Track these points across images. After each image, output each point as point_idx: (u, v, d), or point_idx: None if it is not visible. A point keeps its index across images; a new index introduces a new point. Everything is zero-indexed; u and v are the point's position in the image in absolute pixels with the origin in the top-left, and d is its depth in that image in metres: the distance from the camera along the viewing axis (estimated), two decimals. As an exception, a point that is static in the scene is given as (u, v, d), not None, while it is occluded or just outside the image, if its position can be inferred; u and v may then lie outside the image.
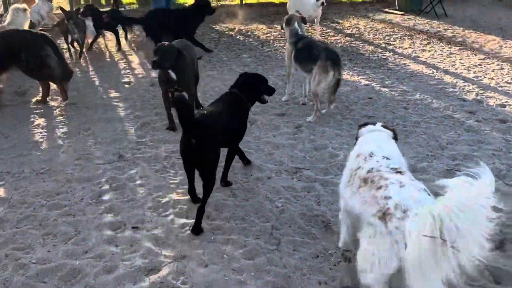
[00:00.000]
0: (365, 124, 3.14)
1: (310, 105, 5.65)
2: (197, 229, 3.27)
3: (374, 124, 3.11)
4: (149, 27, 7.83)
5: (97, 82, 6.80)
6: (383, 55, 8.30)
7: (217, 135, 3.41)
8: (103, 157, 4.40)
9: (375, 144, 2.80)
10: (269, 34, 9.90)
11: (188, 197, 3.64)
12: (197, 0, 8.15)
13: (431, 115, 5.53)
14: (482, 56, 8.20)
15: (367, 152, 2.71)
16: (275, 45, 9.00)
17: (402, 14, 12.28)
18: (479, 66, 7.59)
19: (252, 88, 3.94)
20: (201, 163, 3.31)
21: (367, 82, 6.78)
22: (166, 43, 4.65)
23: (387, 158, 2.63)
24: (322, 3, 9.31)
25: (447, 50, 8.61)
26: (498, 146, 4.68)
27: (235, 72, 7.07)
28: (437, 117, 5.47)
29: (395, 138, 3.03)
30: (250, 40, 9.41)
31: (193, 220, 3.29)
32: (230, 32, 10.12)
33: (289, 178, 4.05)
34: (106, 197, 3.75)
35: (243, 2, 13.09)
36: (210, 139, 3.30)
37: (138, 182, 3.96)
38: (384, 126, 3.07)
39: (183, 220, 3.44)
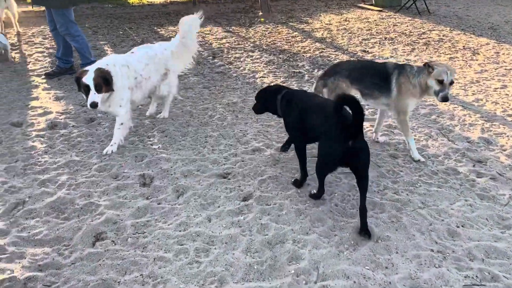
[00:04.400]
0: None
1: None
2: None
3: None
4: None
5: None
6: (360, 68, 6.77)
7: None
8: None
9: None
10: (223, 40, 8.24)
11: None
12: None
13: (429, 169, 4.06)
14: (478, 69, 6.79)
15: None
16: (229, 55, 7.37)
17: (379, 11, 10.79)
18: (477, 84, 6.17)
19: None
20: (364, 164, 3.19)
21: (342, 112, 5.25)
22: None
23: None
24: None
25: (436, 60, 7.16)
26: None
27: (174, 100, 5.44)
28: (437, 172, 4.01)
29: None
30: (200, 49, 7.74)
31: None
32: (178, 38, 8.41)
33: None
34: None
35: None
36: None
37: None
38: None
39: None
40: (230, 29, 9.04)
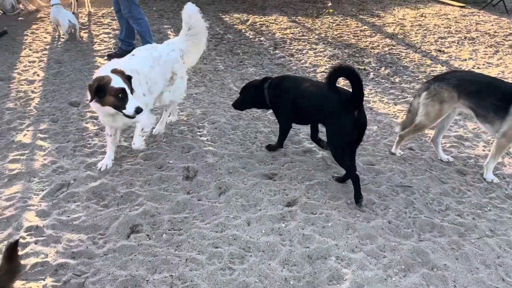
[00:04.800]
0: None
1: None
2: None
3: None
4: None
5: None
6: (433, 69, 6.22)
7: None
8: None
9: None
10: (287, 31, 7.95)
11: None
12: None
13: (503, 191, 3.57)
14: None
15: None
16: (291, 47, 7.08)
17: (462, 6, 9.93)
18: None
19: None
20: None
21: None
22: None
23: None
24: None
25: (522, 65, 6.42)
26: None
27: (228, 91, 5.29)
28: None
29: None
30: (262, 39, 7.52)
31: None
32: (240, 26, 8.24)
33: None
34: None
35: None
36: None
37: None
38: None
39: None
40: (296, 19, 8.72)
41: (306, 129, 4.41)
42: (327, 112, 3.33)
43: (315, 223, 3.11)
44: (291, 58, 6.55)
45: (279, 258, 2.79)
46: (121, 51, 6.19)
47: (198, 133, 4.28)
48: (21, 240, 2.83)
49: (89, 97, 3.32)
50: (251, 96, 3.85)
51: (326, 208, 3.27)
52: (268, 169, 3.72)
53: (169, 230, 2.99)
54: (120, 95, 3.21)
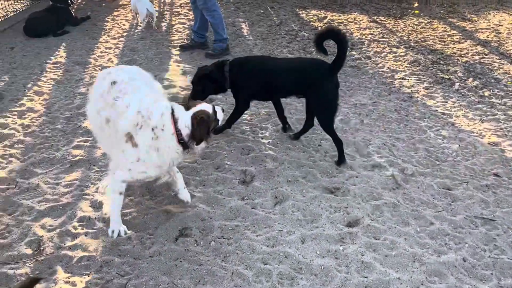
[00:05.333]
0: None
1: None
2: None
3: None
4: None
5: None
6: (530, 84, 5.51)
7: None
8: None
9: None
10: (366, 31, 7.49)
11: None
12: None
13: None
14: None
15: None
16: (369, 49, 6.64)
17: None
18: None
19: None
20: None
21: (497, 138, 4.27)
22: None
23: None
24: None
25: None
26: None
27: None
28: None
29: None
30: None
31: None
32: (317, 24, 7.90)
33: None
34: None
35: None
36: None
37: None
38: None
39: None
40: (377, 19, 8.20)
41: (377, 141, 4.05)
42: (311, 81, 3.45)
43: (377, 249, 2.79)
44: (368, 61, 6.13)
45: (332, 286, 2.53)
46: (193, 43, 6.16)
47: (260, 135, 4.08)
48: (72, 231, 2.82)
49: None
50: (212, 83, 3.73)
51: (392, 234, 2.94)
52: (330, 182, 3.44)
53: (218, 237, 2.84)
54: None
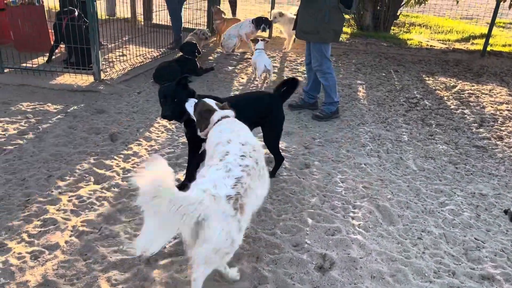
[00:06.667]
0: None
1: None
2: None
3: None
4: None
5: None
6: None
7: None
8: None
9: None
10: (503, 106, 6.60)
11: None
12: None
13: None
14: None
15: None
16: (502, 128, 5.78)
17: None
18: None
19: None
20: None
21: None
22: None
23: None
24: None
25: None
26: None
27: (404, 169, 4.54)
28: None
29: None
30: (466, 111, 6.38)
31: None
32: (443, 93, 7.23)
33: None
34: None
35: (488, 48, 9.63)
36: None
37: None
38: None
39: None
40: (519, 92, 7.23)
41: (493, 245, 3.35)
42: (269, 113, 3.89)
43: None
44: (498, 142, 5.32)
45: None
46: (302, 102, 6.07)
47: (351, 214, 3.69)
48: (132, 289, 2.77)
49: None
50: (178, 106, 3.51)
51: None
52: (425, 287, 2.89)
53: (276, 332, 2.51)
54: None
